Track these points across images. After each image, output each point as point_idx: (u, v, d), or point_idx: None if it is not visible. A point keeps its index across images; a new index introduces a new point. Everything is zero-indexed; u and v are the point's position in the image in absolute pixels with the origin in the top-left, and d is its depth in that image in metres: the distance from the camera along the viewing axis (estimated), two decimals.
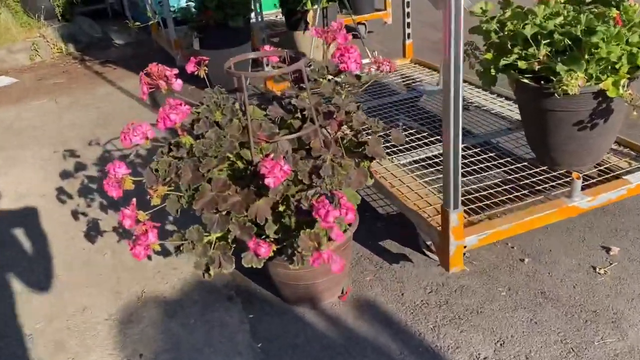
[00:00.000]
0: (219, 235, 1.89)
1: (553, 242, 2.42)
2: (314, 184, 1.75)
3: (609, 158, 2.51)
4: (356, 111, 2.03)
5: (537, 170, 2.49)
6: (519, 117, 3.03)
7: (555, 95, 2.14)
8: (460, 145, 1.85)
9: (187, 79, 2.24)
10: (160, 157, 1.80)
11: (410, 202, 2.31)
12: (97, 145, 3.95)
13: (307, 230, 1.82)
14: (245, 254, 1.93)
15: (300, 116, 2.03)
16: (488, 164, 2.59)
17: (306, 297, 2.16)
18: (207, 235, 1.88)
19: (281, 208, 1.89)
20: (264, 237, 1.92)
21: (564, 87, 2.08)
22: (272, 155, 1.66)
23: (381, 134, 1.98)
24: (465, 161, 2.57)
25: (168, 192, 1.85)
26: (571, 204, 2.18)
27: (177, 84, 1.81)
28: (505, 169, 2.53)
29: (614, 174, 2.38)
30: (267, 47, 2.23)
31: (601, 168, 2.45)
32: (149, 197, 1.81)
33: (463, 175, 2.45)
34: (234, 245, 1.90)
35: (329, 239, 1.77)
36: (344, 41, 2.15)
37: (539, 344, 1.90)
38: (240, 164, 1.91)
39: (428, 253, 2.39)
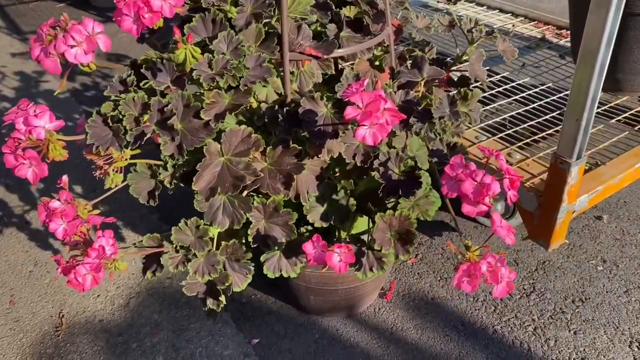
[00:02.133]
0: (220, 230, 1.06)
1: (621, 190, 1.88)
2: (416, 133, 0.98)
3: None
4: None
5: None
6: (528, 32, 2.43)
7: None
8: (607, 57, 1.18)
9: None
10: (119, 90, 0.91)
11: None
12: None
13: (389, 211, 1.06)
14: (268, 256, 1.13)
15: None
16: (518, 95, 1.95)
17: (343, 304, 1.41)
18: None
19: (342, 183, 1.10)
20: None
21: None
22: (367, 80, 0.85)
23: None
24: (488, 94, 1.91)
25: (133, 161, 0.97)
26: None
27: None
28: (554, 98, 1.91)
29: None
30: None
31: None
32: (98, 173, 0.92)
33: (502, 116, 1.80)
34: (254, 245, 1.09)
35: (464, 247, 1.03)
36: None
37: None
38: (253, 102, 1.06)
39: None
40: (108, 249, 0.96)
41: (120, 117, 0.87)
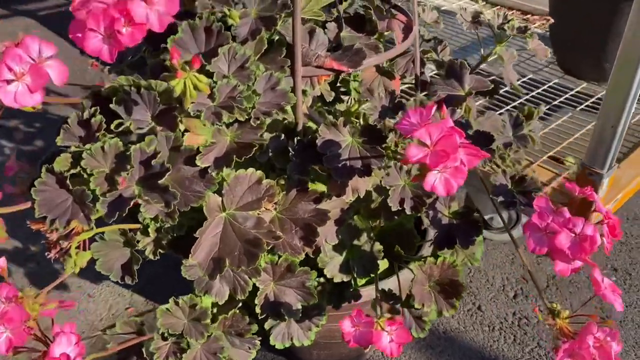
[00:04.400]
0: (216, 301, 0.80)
1: None
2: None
3: None
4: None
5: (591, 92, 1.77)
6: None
7: None
8: None
9: None
10: (80, 136, 0.62)
11: None
12: None
13: (429, 259, 0.84)
14: (275, 322, 0.89)
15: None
16: (502, 89, 1.79)
17: (352, 355, 1.20)
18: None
19: (360, 222, 0.87)
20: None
21: None
22: (433, 108, 0.62)
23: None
24: None
25: (100, 230, 0.69)
26: None
27: None
28: (539, 91, 1.77)
29: None
30: None
31: None
32: (52, 254, 0.64)
33: None
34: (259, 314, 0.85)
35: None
36: None
37: None
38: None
39: (484, 232, 1.57)
40: (72, 353, 0.69)
41: (86, 176, 0.59)
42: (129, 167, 0.59)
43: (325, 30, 0.93)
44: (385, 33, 1.02)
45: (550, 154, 1.46)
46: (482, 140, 0.77)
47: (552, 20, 1.09)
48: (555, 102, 1.71)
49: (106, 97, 0.64)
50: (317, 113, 0.84)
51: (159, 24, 0.52)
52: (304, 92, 0.77)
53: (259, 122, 0.66)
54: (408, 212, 0.73)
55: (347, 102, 1.07)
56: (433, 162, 0.61)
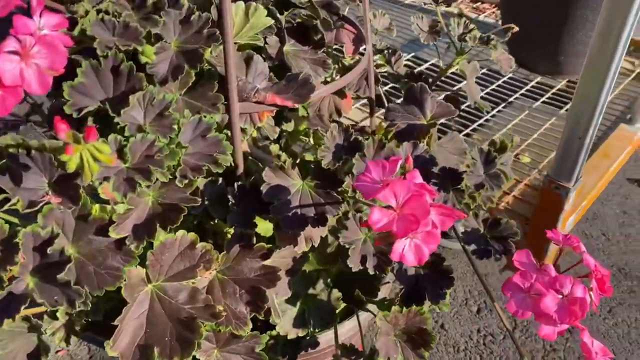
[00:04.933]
0: None
1: None
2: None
3: None
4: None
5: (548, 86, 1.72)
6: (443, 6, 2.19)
7: None
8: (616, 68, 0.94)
9: None
10: None
11: None
12: None
13: (394, 308, 0.75)
14: None
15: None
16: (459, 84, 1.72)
17: None
18: None
19: (314, 263, 0.77)
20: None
21: None
22: (399, 162, 0.51)
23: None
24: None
25: None
26: None
27: None
28: (499, 83, 1.70)
29: None
30: None
31: None
32: None
33: None
34: None
35: None
36: None
37: None
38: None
39: (444, 242, 1.49)
40: None
41: None
42: (19, 258, 0.46)
43: (266, 45, 0.81)
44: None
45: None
46: (449, 178, 0.67)
47: (516, 28, 0.99)
48: (510, 100, 1.64)
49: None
50: (262, 150, 0.72)
51: (39, 84, 0.39)
52: (243, 130, 0.65)
53: (186, 181, 0.54)
54: (371, 272, 0.63)
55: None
56: (401, 230, 0.50)
